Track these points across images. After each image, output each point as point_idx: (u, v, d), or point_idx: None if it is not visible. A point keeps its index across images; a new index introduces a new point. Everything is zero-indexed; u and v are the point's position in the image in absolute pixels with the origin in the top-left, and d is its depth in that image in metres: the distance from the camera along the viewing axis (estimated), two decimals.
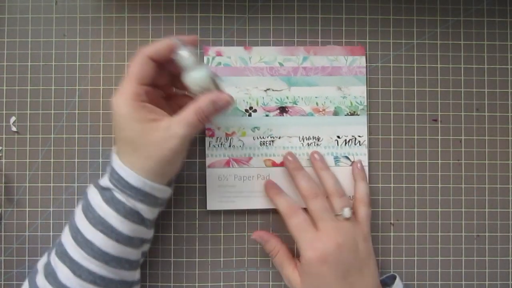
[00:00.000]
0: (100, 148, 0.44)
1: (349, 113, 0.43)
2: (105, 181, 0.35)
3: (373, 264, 0.38)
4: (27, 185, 0.43)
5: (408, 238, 0.44)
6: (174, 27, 0.44)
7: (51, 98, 0.44)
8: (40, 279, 0.34)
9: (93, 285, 0.34)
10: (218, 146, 0.43)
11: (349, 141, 0.43)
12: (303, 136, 0.43)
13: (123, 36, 0.44)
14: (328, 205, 0.39)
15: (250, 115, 0.43)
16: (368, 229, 0.39)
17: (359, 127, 0.44)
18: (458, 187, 0.44)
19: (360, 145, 0.43)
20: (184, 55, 0.35)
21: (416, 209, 0.44)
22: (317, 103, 0.43)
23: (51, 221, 0.43)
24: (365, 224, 0.39)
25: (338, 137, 0.43)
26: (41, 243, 0.43)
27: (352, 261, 0.36)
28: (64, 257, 0.34)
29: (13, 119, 0.44)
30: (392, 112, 0.44)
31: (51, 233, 0.43)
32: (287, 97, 0.43)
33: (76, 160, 0.44)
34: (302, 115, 0.43)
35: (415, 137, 0.44)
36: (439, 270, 0.44)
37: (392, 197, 0.44)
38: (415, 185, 0.44)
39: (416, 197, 0.44)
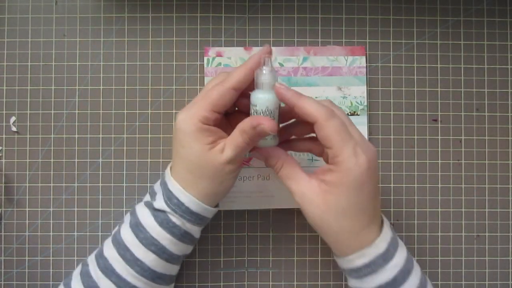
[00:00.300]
0: (100, 148, 0.44)
1: (349, 113, 0.43)
2: (159, 204, 0.34)
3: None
4: (27, 185, 0.43)
5: (408, 238, 0.44)
6: (174, 27, 0.44)
7: (51, 98, 0.44)
8: None
9: None
10: None
11: None
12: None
13: (123, 36, 0.44)
14: None
15: None
16: None
17: (359, 127, 0.42)
18: (458, 187, 0.44)
19: None
20: (268, 74, 0.34)
21: (416, 209, 0.44)
22: None
23: (51, 221, 0.43)
24: None
25: None
26: (41, 243, 0.43)
27: (378, 179, 0.34)
28: (110, 273, 0.34)
29: (13, 119, 0.44)
30: (392, 112, 0.44)
31: (51, 233, 0.43)
32: None
33: (76, 160, 0.44)
34: None
35: (415, 137, 0.44)
36: (439, 270, 0.44)
37: (392, 197, 0.44)
38: (415, 185, 0.44)
39: (416, 197, 0.44)
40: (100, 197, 0.44)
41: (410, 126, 0.44)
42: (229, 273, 0.44)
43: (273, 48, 0.43)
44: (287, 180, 0.34)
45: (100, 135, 0.44)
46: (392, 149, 0.44)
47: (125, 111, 0.44)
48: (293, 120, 0.37)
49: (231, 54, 0.43)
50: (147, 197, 0.37)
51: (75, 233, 0.43)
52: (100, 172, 0.44)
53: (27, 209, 0.43)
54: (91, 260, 0.36)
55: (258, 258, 0.44)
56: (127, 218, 0.36)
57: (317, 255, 0.44)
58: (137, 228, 0.35)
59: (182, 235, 0.35)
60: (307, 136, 0.37)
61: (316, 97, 0.43)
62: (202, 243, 0.44)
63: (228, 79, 0.34)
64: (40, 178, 0.43)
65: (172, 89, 0.44)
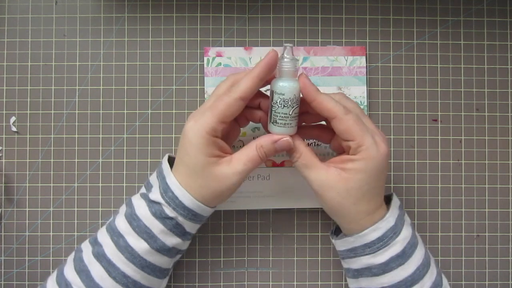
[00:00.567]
0: (100, 148, 0.44)
1: None
2: (155, 195, 0.35)
3: None
4: (27, 185, 0.43)
5: None
6: (174, 27, 0.44)
7: (51, 98, 0.44)
8: (70, 272, 0.35)
9: None
10: None
11: None
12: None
13: (123, 36, 0.44)
14: None
15: None
16: None
17: None
18: (458, 187, 0.44)
19: None
20: (294, 62, 0.34)
21: (416, 209, 0.44)
22: None
23: (51, 221, 0.43)
24: None
25: None
26: (41, 243, 0.43)
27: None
28: (101, 257, 0.35)
29: (13, 119, 0.44)
30: (392, 112, 0.44)
31: (51, 233, 0.43)
32: None
33: (76, 160, 0.44)
34: None
35: (415, 137, 0.44)
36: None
37: None
38: (415, 185, 0.44)
39: (416, 197, 0.44)
40: (100, 197, 0.44)
41: (410, 126, 0.44)
42: (229, 273, 0.44)
43: (273, 48, 0.43)
44: (305, 169, 0.36)
45: (100, 135, 0.44)
46: (392, 149, 0.44)
47: (125, 111, 0.44)
48: None
49: (231, 54, 0.43)
50: (143, 190, 0.38)
51: (75, 233, 0.43)
52: (100, 172, 0.44)
53: (27, 209, 0.43)
54: (85, 245, 0.37)
55: (258, 258, 0.44)
56: (122, 208, 0.37)
57: (317, 255, 0.44)
58: (131, 217, 0.35)
59: (174, 227, 0.35)
60: (315, 124, 0.39)
61: None
62: (202, 243, 0.44)
63: (236, 89, 0.34)
64: (40, 178, 0.43)
65: (172, 89, 0.44)
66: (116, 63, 0.44)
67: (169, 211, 0.35)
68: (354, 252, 0.36)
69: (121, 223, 0.36)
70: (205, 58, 0.43)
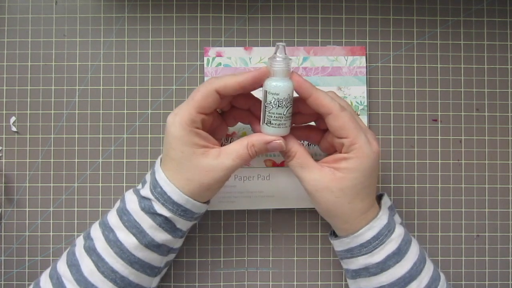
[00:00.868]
0: (100, 148, 0.44)
1: None
2: (146, 191, 0.35)
3: None
4: (27, 185, 0.43)
5: None
6: (174, 27, 0.44)
7: (51, 98, 0.44)
8: (62, 266, 0.36)
9: (112, 284, 0.35)
10: None
11: None
12: None
13: (123, 36, 0.44)
14: None
15: None
16: None
17: None
18: (458, 187, 0.44)
19: None
20: (287, 61, 0.34)
21: (416, 209, 0.44)
22: None
23: (51, 221, 0.43)
24: None
25: None
26: (41, 243, 0.43)
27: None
28: (92, 252, 0.35)
29: (13, 119, 0.44)
30: (392, 112, 0.44)
31: (51, 233, 0.43)
32: None
33: (76, 160, 0.44)
34: None
35: (415, 137, 0.44)
36: (439, 270, 0.44)
37: (392, 197, 0.44)
38: (415, 185, 0.44)
39: (416, 197, 0.44)
40: (100, 197, 0.44)
41: (410, 126, 0.44)
42: (229, 273, 0.44)
43: (273, 48, 0.43)
44: (299, 169, 0.36)
45: (100, 135, 0.44)
46: (392, 149, 0.44)
47: (125, 111, 0.44)
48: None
49: (231, 54, 0.43)
50: (139, 186, 0.38)
51: (75, 233, 0.43)
52: (100, 172, 0.44)
53: (27, 209, 0.43)
54: (79, 240, 0.37)
55: (258, 258, 0.44)
56: (116, 204, 0.37)
57: (317, 255, 0.44)
58: (122, 211, 0.35)
59: (163, 222, 0.35)
60: (305, 124, 0.39)
61: None
62: (202, 243, 0.44)
63: (215, 81, 0.34)
64: (40, 178, 0.43)
65: (172, 89, 0.44)
66: (116, 63, 0.44)
67: (158, 207, 0.35)
68: (351, 253, 0.36)
69: (112, 217, 0.36)
70: (205, 58, 0.43)
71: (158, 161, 0.37)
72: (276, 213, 0.44)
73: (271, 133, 0.35)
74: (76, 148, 0.44)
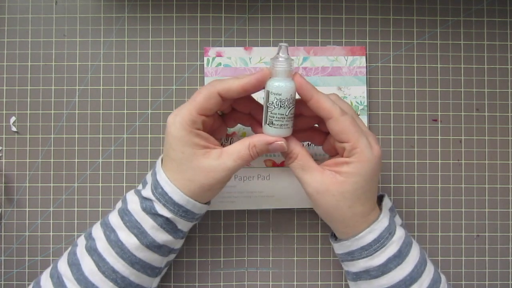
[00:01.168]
0: (100, 148, 0.44)
1: None
2: (147, 192, 0.35)
3: None
4: (27, 185, 0.43)
5: None
6: (174, 27, 0.44)
7: (51, 98, 0.44)
8: (62, 265, 0.36)
9: (113, 284, 0.35)
10: None
11: None
12: None
13: (123, 36, 0.44)
14: None
15: None
16: None
17: None
18: (458, 187, 0.44)
19: None
20: (290, 62, 0.34)
21: (416, 209, 0.44)
22: None
23: (51, 221, 0.43)
24: None
25: None
26: (41, 243, 0.43)
27: None
28: (93, 251, 0.35)
29: (13, 119, 0.44)
30: (392, 112, 0.44)
31: (51, 233, 0.43)
32: None
33: (76, 160, 0.44)
34: None
35: (415, 137, 0.44)
36: (439, 270, 0.44)
37: (392, 197, 0.44)
38: (415, 185, 0.44)
39: (416, 197, 0.44)
40: (100, 197, 0.44)
41: (410, 126, 0.44)
42: (229, 273, 0.44)
43: (273, 48, 0.44)
44: (300, 171, 0.35)
45: (100, 135, 0.44)
46: (392, 149, 0.44)
47: (125, 111, 0.44)
48: None
49: (231, 54, 0.43)
50: (140, 186, 0.38)
51: (75, 233, 0.43)
52: (100, 172, 0.44)
53: (27, 209, 0.43)
54: (80, 240, 0.37)
55: (258, 258, 0.44)
56: (118, 204, 0.37)
57: (317, 255, 0.44)
58: (123, 212, 0.35)
59: (164, 223, 0.35)
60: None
61: None
62: (202, 243, 0.44)
63: (217, 84, 0.34)
64: (40, 178, 0.43)
65: (172, 89, 0.44)
66: (116, 63, 0.44)
67: (159, 208, 0.35)
68: (352, 256, 0.36)
69: (114, 218, 0.36)
70: (205, 58, 0.43)
71: (159, 161, 0.37)
72: (276, 213, 0.44)
73: (273, 133, 0.35)
74: (76, 148, 0.44)
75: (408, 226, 0.44)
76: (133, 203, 0.36)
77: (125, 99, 0.44)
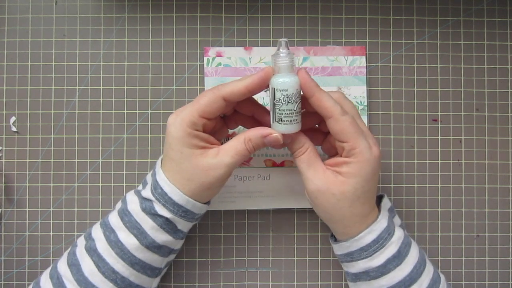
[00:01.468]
0: (100, 148, 0.44)
1: None
2: (147, 192, 0.35)
3: None
4: (27, 185, 0.43)
5: None
6: (174, 27, 0.44)
7: (51, 98, 0.44)
8: (62, 266, 0.36)
9: (113, 284, 0.35)
10: None
11: None
12: None
13: (123, 36, 0.44)
14: None
15: None
16: None
17: None
18: (458, 187, 0.44)
19: None
20: (292, 56, 0.34)
21: (416, 209, 0.44)
22: None
23: (51, 221, 0.43)
24: None
25: None
26: (41, 243, 0.43)
27: None
28: (93, 252, 0.35)
29: (13, 119, 0.44)
30: (392, 112, 0.44)
31: (51, 233, 0.43)
32: None
33: (76, 160, 0.44)
34: None
35: (415, 137, 0.44)
36: (439, 270, 0.44)
37: (392, 197, 0.44)
38: (415, 185, 0.44)
39: (416, 197, 0.44)
40: (100, 197, 0.44)
41: (410, 126, 0.44)
42: (229, 273, 0.44)
43: (273, 48, 0.44)
44: (306, 166, 0.35)
45: (100, 135, 0.44)
46: (392, 149, 0.44)
47: (125, 111, 0.44)
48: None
49: (231, 54, 0.43)
50: (140, 187, 0.38)
51: (75, 233, 0.43)
52: (100, 172, 0.44)
53: (27, 209, 0.43)
54: (80, 240, 0.37)
55: (258, 258, 0.44)
56: (118, 205, 0.37)
57: (317, 255, 0.44)
58: (123, 212, 0.35)
59: (163, 223, 0.35)
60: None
61: None
62: (202, 243, 0.44)
63: (222, 88, 0.34)
64: (40, 178, 0.43)
65: (172, 89, 0.44)
66: (116, 63, 0.44)
67: (159, 208, 0.35)
68: (351, 257, 0.36)
69: (114, 218, 0.36)
70: (205, 58, 0.43)
71: (158, 162, 0.37)
72: (276, 213, 0.44)
73: (283, 130, 0.34)
74: (76, 148, 0.44)
75: (408, 226, 0.44)
76: (133, 203, 0.36)
77: (125, 99, 0.44)
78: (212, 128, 0.36)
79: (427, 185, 0.44)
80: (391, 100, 0.44)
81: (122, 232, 0.35)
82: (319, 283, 0.44)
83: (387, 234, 0.35)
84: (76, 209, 0.44)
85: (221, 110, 0.35)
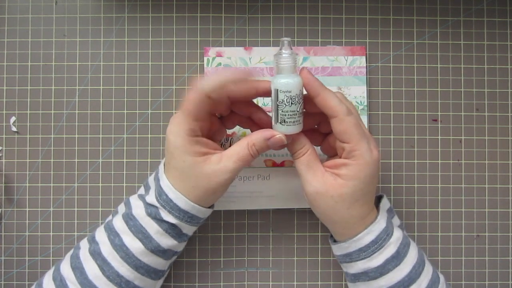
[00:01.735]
0: (100, 148, 0.44)
1: None
2: (151, 198, 0.35)
3: None
4: (27, 185, 0.43)
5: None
6: (174, 27, 0.44)
7: (51, 98, 0.44)
8: (65, 268, 0.35)
9: None
10: None
11: None
12: None
13: (123, 36, 0.44)
14: None
15: None
16: None
17: None
18: (458, 187, 0.44)
19: None
20: (294, 57, 0.33)
21: (416, 209, 0.44)
22: None
23: (51, 221, 0.43)
24: None
25: None
26: (41, 243, 0.43)
27: None
28: (97, 255, 0.35)
29: (13, 119, 0.44)
30: (392, 112, 0.44)
31: (51, 233, 0.43)
32: None
33: (76, 160, 0.44)
34: None
35: (415, 137, 0.44)
36: (439, 270, 0.44)
37: (392, 197, 0.44)
38: (415, 185, 0.44)
39: (416, 197, 0.44)
40: (100, 197, 0.44)
41: (410, 126, 0.44)
42: (229, 273, 0.44)
43: (273, 48, 0.44)
44: (306, 168, 0.35)
45: (100, 135, 0.44)
46: (392, 149, 0.44)
47: (125, 111, 0.44)
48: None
49: (231, 54, 0.43)
50: (141, 190, 0.38)
51: (75, 233, 0.43)
52: (100, 172, 0.44)
53: (27, 209, 0.43)
54: (83, 243, 0.37)
55: (258, 258, 0.44)
56: (121, 208, 0.37)
57: (317, 255, 0.44)
58: (128, 216, 0.35)
59: (169, 228, 0.35)
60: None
61: None
62: (202, 243, 0.44)
63: (202, 86, 0.33)
64: (40, 178, 0.43)
65: (172, 89, 0.44)
66: (116, 63, 0.44)
67: (164, 214, 0.35)
68: (350, 257, 0.36)
69: (118, 222, 0.36)
70: (205, 58, 0.43)
71: (161, 166, 0.37)
72: (276, 213, 0.44)
73: (286, 131, 0.34)
74: (76, 148, 0.44)
75: (408, 226, 0.44)
76: (137, 208, 0.36)
77: (125, 99, 0.44)
78: (210, 129, 0.36)
79: (427, 185, 0.44)
80: (391, 100, 0.44)
81: (127, 236, 0.35)
82: (319, 283, 0.44)
83: (385, 235, 0.35)
84: (76, 209, 0.44)
85: (209, 106, 0.34)
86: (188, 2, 0.44)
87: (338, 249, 0.36)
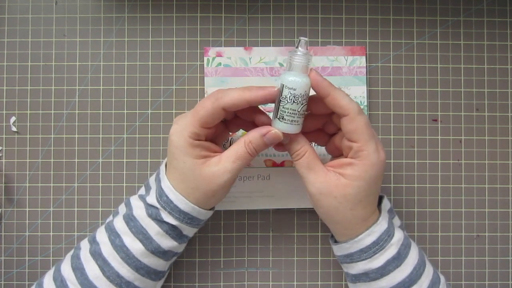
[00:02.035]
0: (100, 148, 0.44)
1: None
2: (152, 199, 0.35)
3: None
4: (27, 185, 0.43)
5: None
6: (174, 27, 0.44)
7: (51, 98, 0.44)
8: (66, 269, 0.35)
9: None
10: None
11: None
12: None
13: (123, 36, 0.44)
14: None
15: None
16: None
17: None
18: (458, 187, 0.44)
19: None
20: (309, 57, 0.33)
21: (416, 209, 0.44)
22: None
23: (51, 221, 0.43)
24: None
25: None
26: (41, 243, 0.43)
27: None
28: (98, 256, 0.35)
29: (13, 119, 0.44)
30: (392, 112, 0.44)
31: (51, 233, 0.43)
32: None
33: (76, 160, 0.44)
34: None
35: (415, 137, 0.44)
36: (439, 270, 0.44)
37: (392, 197, 0.44)
38: (415, 185, 0.44)
39: (416, 197, 0.44)
40: (100, 197, 0.44)
41: (410, 126, 0.44)
42: (229, 273, 0.44)
43: (273, 48, 0.44)
44: (306, 169, 0.35)
45: (100, 135, 0.44)
46: (392, 149, 0.44)
47: (125, 111, 0.44)
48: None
49: (231, 54, 0.43)
50: (142, 190, 0.38)
51: (75, 233, 0.43)
52: (100, 172, 0.44)
53: (27, 209, 0.43)
54: (84, 243, 0.37)
55: (258, 258, 0.44)
56: (121, 209, 0.37)
57: (317, 255, 0.44)
58: (128, 217, 0.35)
59: (169, 229, 0.35)
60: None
61: None
62: (202, 243, 0.44)
63: (222, 98, 0.34)
64: (40, 178, 0.43)
65: (172, 89, 0.44)
66: (116, 63, 0.44)
67: (164, 215, 0.35)
68: (351, 258, 0.36)
69: (119, 223, 0.36)
70: (205, 58, 0.43)
71: (162, 167, 0.37)
72: (276, 213, 0.44)
73: (282, 128, 0.34)
74: (76, 148, 0.44)
75: (408, 226, 0.44)
76: (138, 208, 0.36)
77: (125, 99, 0.44)
78: (213, 133, 0.36)
79: (427, 185, 0.44)
80: (391, 100, 0.44)
81: (128, 237, 0.35)
82: (319, 283, 0.44)
83: (387, 236, 0.35)
84: (76, 209, 0.44)
85: (221, 118, 0.35)
86: (188, 2, 0.44)
87: (339, 250, 0.36)
